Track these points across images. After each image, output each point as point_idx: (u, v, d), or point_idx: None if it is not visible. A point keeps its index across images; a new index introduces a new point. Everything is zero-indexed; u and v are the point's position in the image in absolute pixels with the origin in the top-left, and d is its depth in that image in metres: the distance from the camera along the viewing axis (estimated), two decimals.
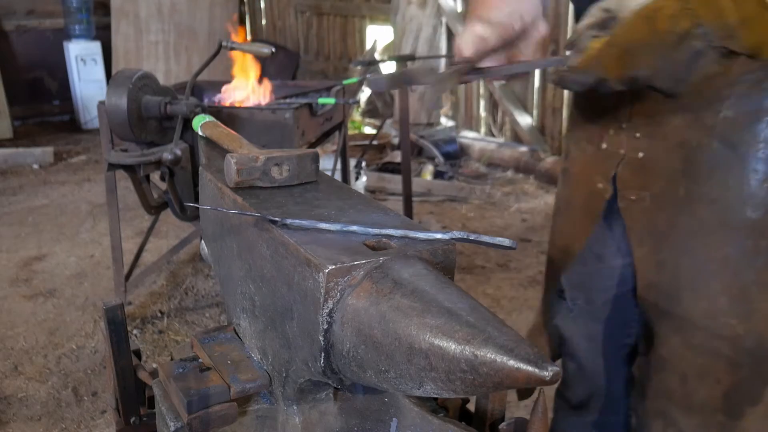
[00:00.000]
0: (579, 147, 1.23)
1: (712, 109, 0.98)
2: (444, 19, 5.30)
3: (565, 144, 1.30)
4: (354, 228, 0.80)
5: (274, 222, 0.81)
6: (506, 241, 0.80)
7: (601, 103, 1.14)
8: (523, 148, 4.89)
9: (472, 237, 0.79)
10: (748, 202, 1.00)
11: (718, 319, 1.06)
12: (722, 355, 1.07)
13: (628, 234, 1.14)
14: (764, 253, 1.03)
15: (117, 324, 1.07)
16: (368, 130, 5.85)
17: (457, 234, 0.79)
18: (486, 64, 1.00)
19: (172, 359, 1.00)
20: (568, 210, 1.28)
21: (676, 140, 1.03)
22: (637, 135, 1.08)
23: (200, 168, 1.10)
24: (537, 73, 4.86)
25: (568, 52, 0.95)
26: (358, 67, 5.50)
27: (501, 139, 5.18)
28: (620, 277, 1.23)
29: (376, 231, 0.80)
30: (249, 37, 7.82)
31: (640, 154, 1.08)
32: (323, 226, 0.81)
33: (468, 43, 0.96)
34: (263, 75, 2.75)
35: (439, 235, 0.79)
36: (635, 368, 1.23)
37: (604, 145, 1.15)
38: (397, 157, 4.52)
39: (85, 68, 6.21)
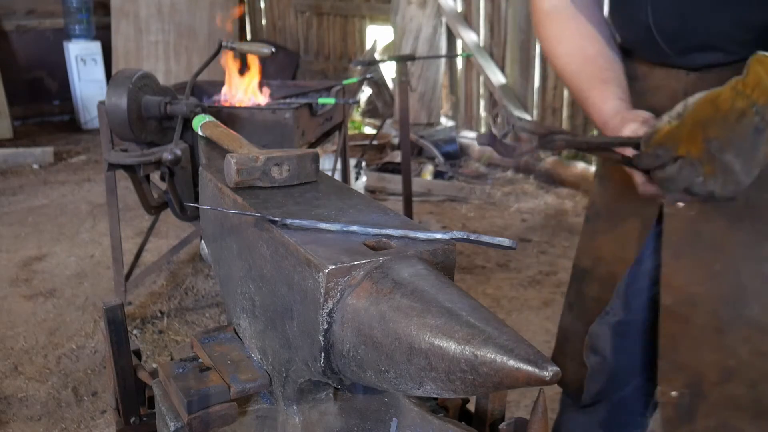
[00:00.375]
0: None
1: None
2: (444, 19, 5.30)
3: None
4: (354, 228, 0.80)
5: (274, 222, 0.81)
6: (506, 241, 0.80)
7: (650, 108, 1.13)
8: None
9: (472, 237, 0.79)
10: None
11: None
12: None
13: (663, 248, 1.13)
14: None
15: (117, 324, 1.07)
16: (368, 130, 5.85)
17: (457, 234, 0.79)
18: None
19: (172, 359, 1.00)
20: (612, 218, 1.26)
21: None
22: None
23: (200, 168, 1.10)
24: (537, 74, 4.86)
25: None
26: (358, 67, 5.51)
27: None
28: (655, 279, 1.22)
29: (376, 231, 0.80)
30: (249, 36, 7.82)
31: None
32: (323, 226, 0.81)
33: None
34: (263, 75, 2.75)
35: (438, 235, 0.79)
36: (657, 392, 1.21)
37: None
38: (397, 157, 4.52)
39: (85, 68, 6.21)
